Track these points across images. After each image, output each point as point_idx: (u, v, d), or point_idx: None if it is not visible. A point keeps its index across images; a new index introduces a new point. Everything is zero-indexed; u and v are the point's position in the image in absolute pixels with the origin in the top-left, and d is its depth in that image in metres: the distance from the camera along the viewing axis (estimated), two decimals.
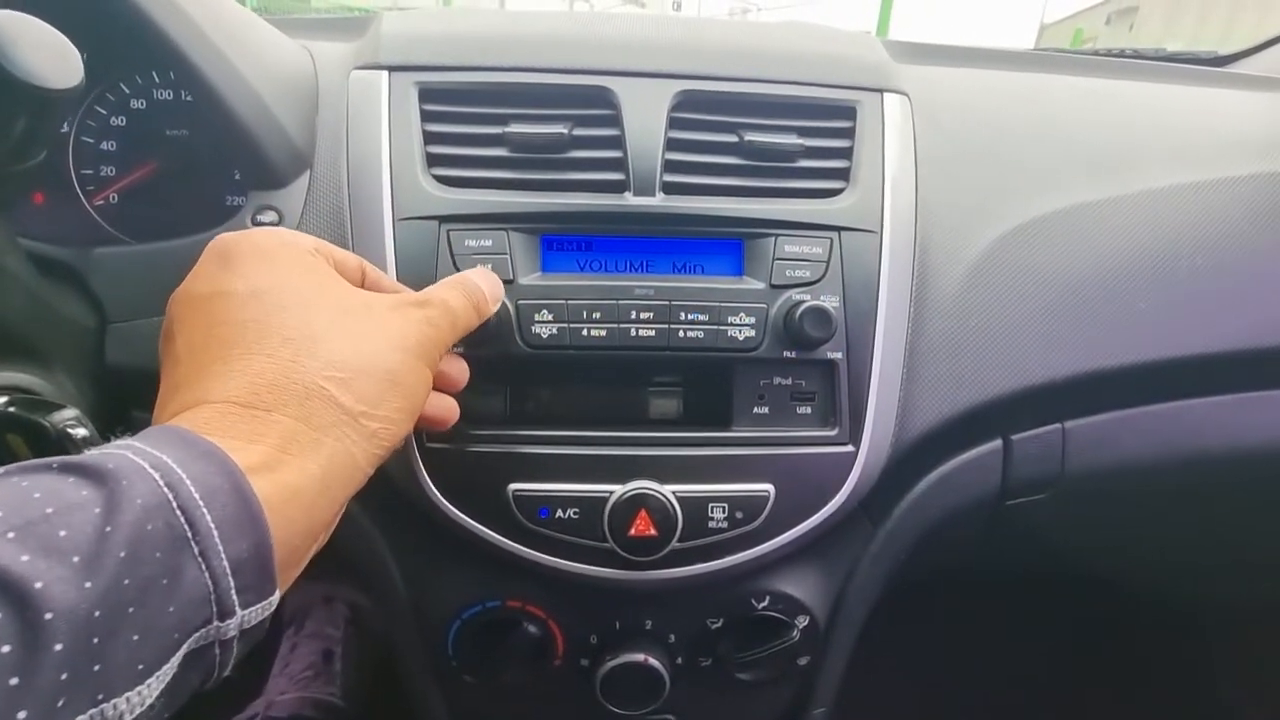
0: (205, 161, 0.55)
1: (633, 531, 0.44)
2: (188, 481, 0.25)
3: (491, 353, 0.47)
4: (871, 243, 0.51)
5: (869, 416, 0.49)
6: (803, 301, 0.47)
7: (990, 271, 0.55)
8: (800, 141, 0.51)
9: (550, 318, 0.47)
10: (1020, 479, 0.58)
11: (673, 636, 0.50)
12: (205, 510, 0.25)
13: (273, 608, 0.28)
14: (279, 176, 0.52)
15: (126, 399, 0.53)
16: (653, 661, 0.48)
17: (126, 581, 0.23)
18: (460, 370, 0.41)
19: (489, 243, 0.48)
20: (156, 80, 0.56)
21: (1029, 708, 0.90)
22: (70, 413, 0.40)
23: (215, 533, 0.25)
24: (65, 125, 0.57)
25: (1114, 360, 0.56)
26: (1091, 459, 0.59)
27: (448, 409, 0.40)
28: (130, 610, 0.23)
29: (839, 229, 0.50)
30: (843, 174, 0.52)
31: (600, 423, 0.47)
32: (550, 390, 0.48)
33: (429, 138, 0.50)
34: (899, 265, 0.51)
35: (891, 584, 0.57)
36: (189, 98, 0.55)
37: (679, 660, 0.50)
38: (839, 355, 0.49)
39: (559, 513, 0.45)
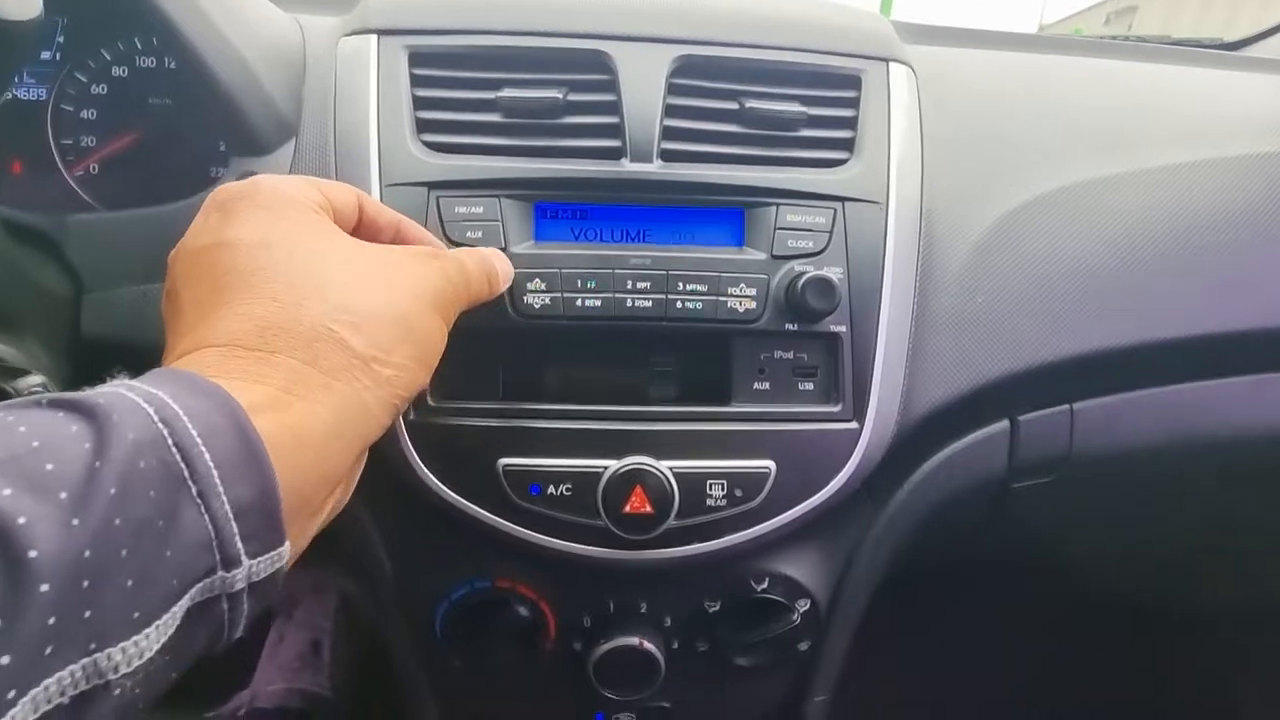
0: (188, 131, 0.54)
1: (628, 508, 0.43)
2: (184, 418, 0.24)
3: (482, 323, 0.45)
4: (876, 214, 0.49)
5: (873, 393, 0.47)
6: (805, 272, 0.45)
7: (996, 249, 0.54)
8: (803, 110, 0.50)
9: (543, 287, 0.45)
10: (1027, 461, 0.56)
11: (668, 619, 0.48)
12: (204, 449, 0.23)
13: (284, 560, 0.26)
14: (263, 144, 0.50)
15: (102, 371, 0.51)
16: (648, 645, 0.46)
17: (118, 521, 0.21)
18: None
19: (480, 210, 0.46)
20: (139, 47, 0.54)
21: (1030, 699, 0.88)
22: (36, 379, 0.38)
23: (215, 473, 0.23)
24: (44, 93, 0.56)
25: (1122, 339, 0.55)
26: (1100, 441, 0.57)
27: None
28: (123, 553, 0.21)
29: (843, 199, 0.49)
30: (847, 144, 0.51)
31: (595, 397, 0.45)
32: (543, 363, 0.46)
33: (419, 103, 0.48)
34: (904, 238, 0.50)
35: (894, 569, 0.56)
36: (173, 65, 0.53)
37: (675, 645, 0.49)
38: (843, 329, 0.47)
39: (551, 489, 0.44)
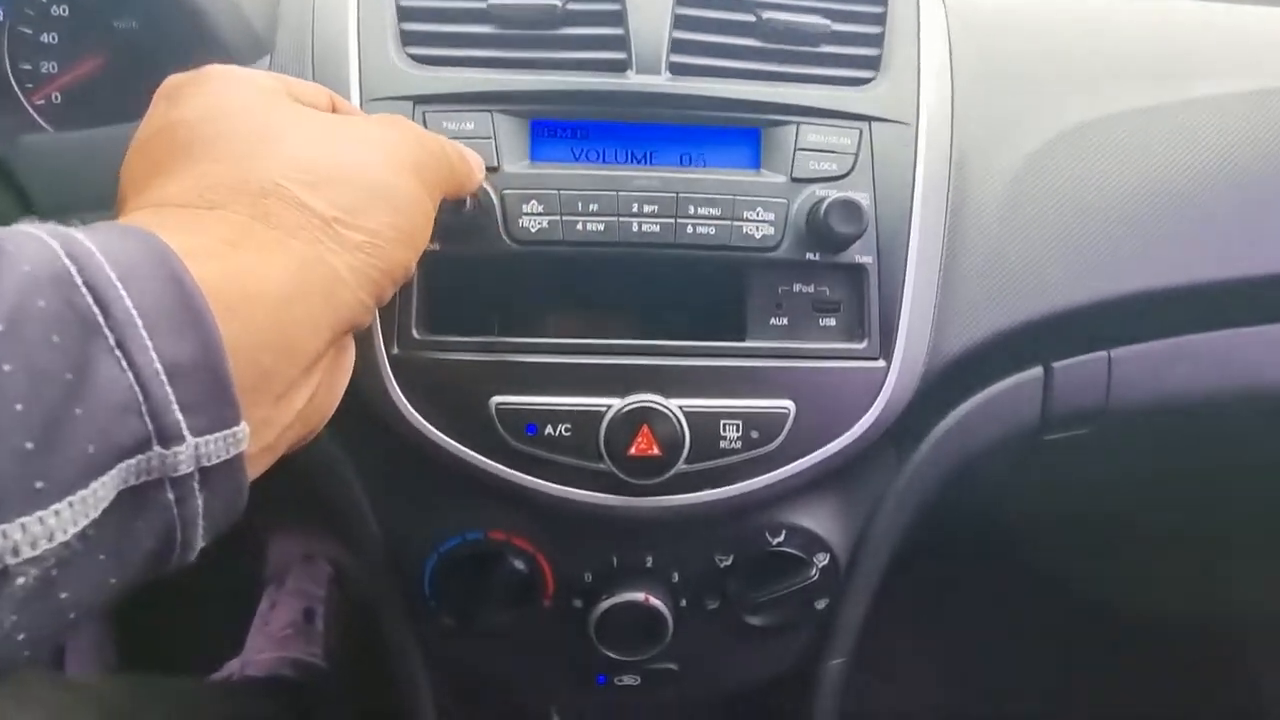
0: (157, 55, 0.49)
1: (633, 451, 0.39)
2: (99, 255, 0.19)
3: (473, 250, 0.41)
4: (905, 136, 0.45)
5: (901, 330, 0.43)
6: (828, 196, 0.41)
7: (1032, 182, 0.49)
8: (826, 24, 0.45)
9: (540, 209, 0.41)
10: (1061, 411, 0.52)
11: (676, 575, 0.45)
12: (123, 291, 0.19)
13: (242, 444, 0.22)
14: (236, 62, 0.46)
15: None
16: (654, 601, 0.43)
17: (6, 368, 0.17)
18: None
19: (470, 125, 0.42)
20: None
21: (1057, 671, 0.85)
22: None
23: (139, 320, 0.19)
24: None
25: (1165, 281, 0.51)
26: (1139, 390, 0.53)
27: None
28: (16, 407, 0.17)
29: (869, 119, 0.44)
30: (873, 62, 0.46)
31: (597, 330, 0.41)
32: (540, 293, 0.42)
33: (403, 13, 0.44)
34: (935, 164, 0.45)
35: (918, 526, 0.52)
36: None
37: (683, 602, 0.45)
38: (869, 260, 0.43)
39: (549, 429, 0.40)
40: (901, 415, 0.45)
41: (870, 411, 0.42)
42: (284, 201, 0.25)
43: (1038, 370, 0.52)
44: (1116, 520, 0.78)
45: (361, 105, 0.42)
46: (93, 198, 0.46)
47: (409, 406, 0.40)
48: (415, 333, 0.41)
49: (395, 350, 0.41)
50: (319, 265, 0.25)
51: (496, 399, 0.40)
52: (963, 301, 0.46)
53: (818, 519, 0.45)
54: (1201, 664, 0.84)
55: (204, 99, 0.28)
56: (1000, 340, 0.48)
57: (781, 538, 0.44)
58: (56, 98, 0.51)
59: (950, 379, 0.48)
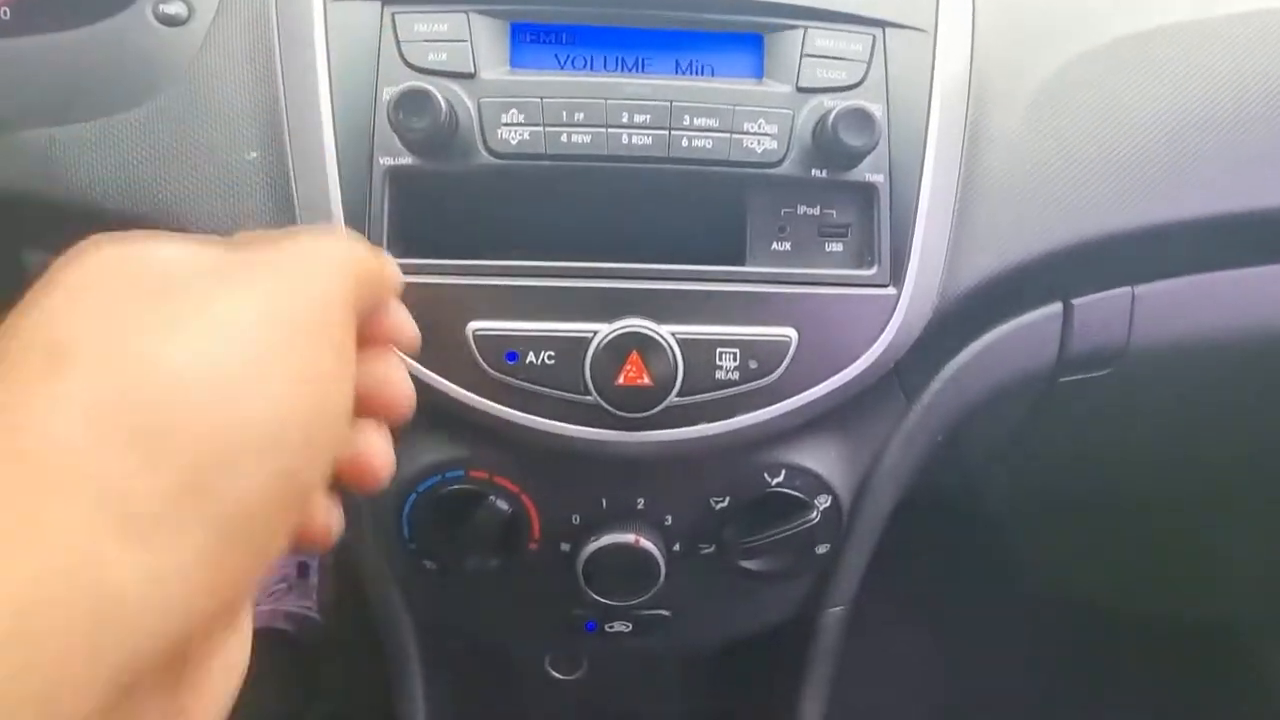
0: None
1: (622, 380, 0.36)
2: None
3: (447, 165, 0.38)
4: (922, 44, 0.41)
5: (914, 255, 0.40)
6: (837, 105, 0.38)
7: (1061, 99, 0.45)
8: None
9: (521, 119, 0.37)
10: (1079, 351, 0.49)
11: (669, 518, 0.42)
12: None
13: None
14: None
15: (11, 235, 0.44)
16: (645, 543, 0.40)
17: None
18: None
19: (444, 28, 0.38)
20: None
21: (1061, 633, 0.82)
22: None
23: None
24: None
25: (1198, 210, 0.47)
26: (1163, 329, 0.50)
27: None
28: None
29: (883, 24, 0.40)
30: None
31: (583, 252, 0.38)
32: (521, 211, 0.38)
33: None
34: (953, 76, 0.41)
35: (923, 474, 0.49)
36: None
37: (676, 547, 0.43)
38: (880, 178, 0.39)
39: (530, 357, 0.37)
40: (911, 350, 0.42)
41: (878, 342, 0.39)
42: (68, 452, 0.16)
43: (1056, 307, 0.49)
44: (1123, 504, 0.74)
45: (325, 5, 0.39)
46: (40, 114, 0.43)
47: None
48: (386, 254, 0.38)
49: None
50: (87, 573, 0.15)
51: (474, 324, 0.37)
52: (980, 227, 0.43)
53: (820, 459, 0.42)
54: (1217, 663, 0.82)
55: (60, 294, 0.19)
56: (1019, 272, 0.45)
57: (781, 478, 0.42)
58: (6, 14, 0.47)
59: (964, 313, 0.44)
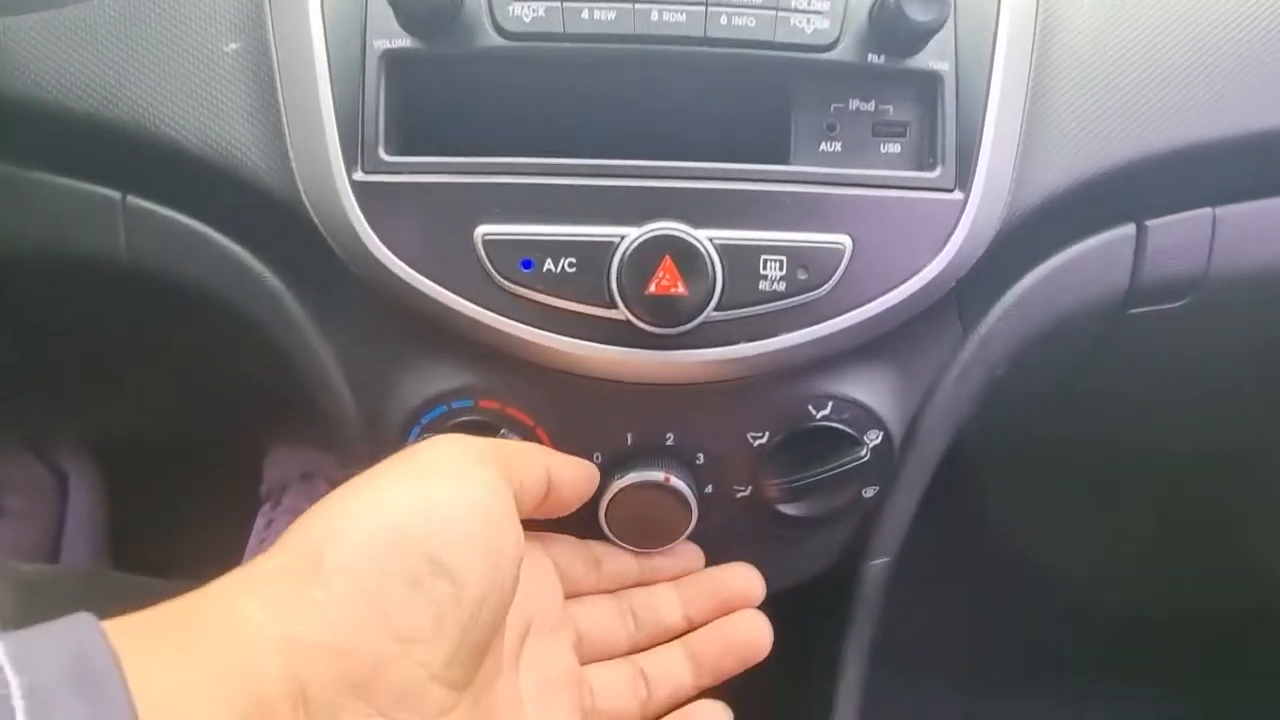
0: None
1: (653, 289, 0.31)
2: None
3: (452, 48, 0.33)
4: None
5: (982, 156, 0.35)
6: None
7: None
8: None
9: None
10: (1153, 278, 0.44)
11: (701, 456, 0.38)
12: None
13: None
14: None
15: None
16: (676, 482, 0.36)
17: None
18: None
19: None
20: None
21: (1109, 593, 0.77)
22: None
23: None
24: None
25: None
26: (1247, 256, 0.45)
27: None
28: None
29: None
30: None
31: (607, 148, 0.33)
32: (536, 101, 0.34)
33: None
34: None
35: (979, 412, 0.45)
36: None
37: (708, 489, 0.39)
38: (945, 66, 0.34)
39: (548, 265, 0.32)
40: (972, 271, 0.37)
41: (943, 254, 0.34)
42: None
43: (1129, 229, 0.44)
44: (1191, 464, 0.69)
45: None
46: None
47: (377, 242, 0.33)
48: (383, 153, 0.33)
49: (359, 175, 0.33)
50: None
51: (484, 229, 0.32)
52: (1052, 130, 0.38)
53: (870, 391, 0.38)
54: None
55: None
56: (1092, 184, 0.40)
57: (827, 411, 0.37)
58: None
59: (1030, 231, 0.39)
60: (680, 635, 0.36)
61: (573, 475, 0.34)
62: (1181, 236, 0.44)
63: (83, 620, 0.21)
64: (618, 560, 0.37)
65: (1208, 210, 0.44)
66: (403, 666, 0.24)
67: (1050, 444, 0.64)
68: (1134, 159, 0.40)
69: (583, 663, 0.34)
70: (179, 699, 0.21)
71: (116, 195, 0.40)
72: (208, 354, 0.52)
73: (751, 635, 0.35)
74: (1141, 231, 0.44)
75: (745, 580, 0.37)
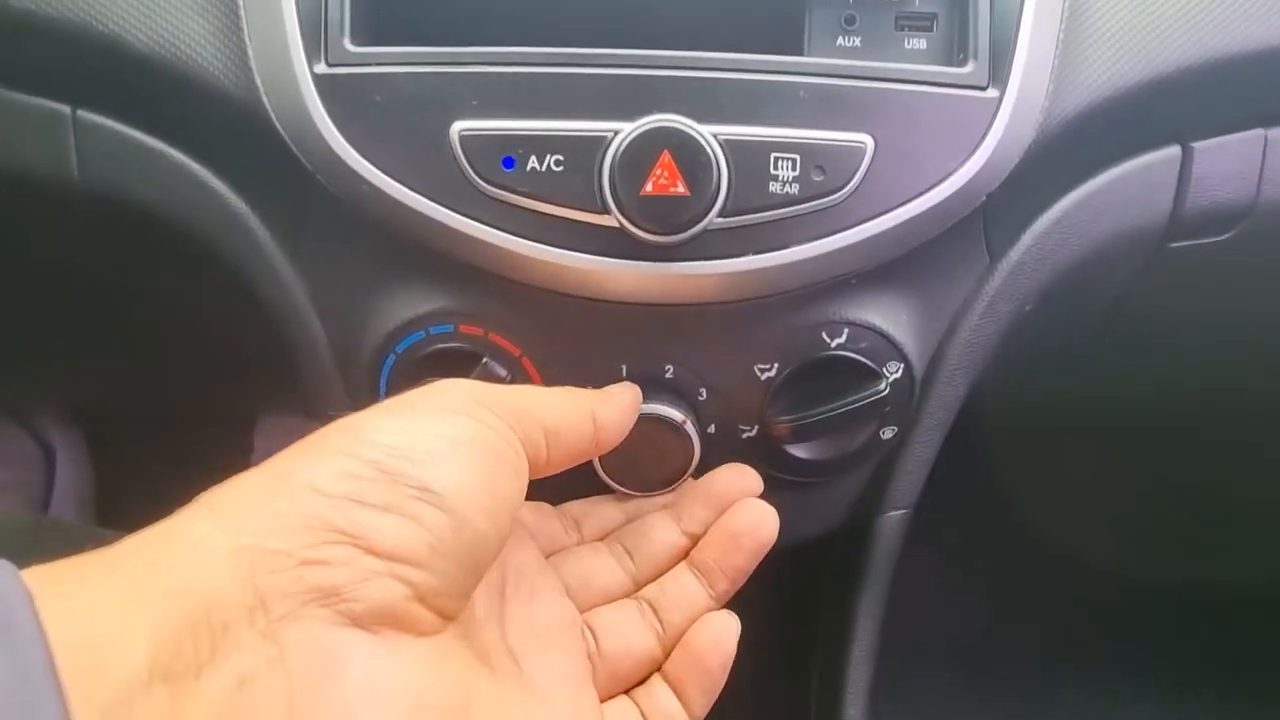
0: None
1: (649, 188, 0.28)
2: None
3: None
4: None
5: (1019, 52, 0.31)
6: None
7: None
8: None
9: None
10: (1197, 206, 0.40)
11: (704, 391, 0.34)
12: None
13: None
14: None
15: None
16: (673, 414, 0.33)
17: None
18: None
19: None
20: None
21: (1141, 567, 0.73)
22: None
23: None
24: None
25: None
26: None
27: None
28: None
29: None
30: None
31: (600, 35, 0.30)
32: None
33: None
34: None
35: (1003, 351, 0.42)
36: None
37: (711, 428, 0.35)
38: None
39: (532, 163, 0.29)
40: (1001, 191, 0.34)
41: (974, 158, 0.31)
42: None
43: (1174, 150, 0.40)
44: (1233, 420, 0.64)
45: None
46: None
47: (342, 142, 0.29)
48: (348, 43, 0.30)
49: (321, 68, 0.30)
50: None
51: (460, 125, 0.29)
52: (1094, 31, 0.34)
53: (891, 318, 0.34)
54: None
55: None
56: (1135, 96, 0.36)
57: (843, 338, 0.34)
58: None
59: (1067, 148, 0.36)
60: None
61: (618, 416, 0.30)
62: (1230, 160, 0.41)
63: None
64: (600, 516, 0.34)
65: (1259, 132, 0.41)
66: (385, 583, 0.21)
67: (1076, 401, 0.61)
68: (1181, 67, 0.36)
69: (582, 610, 0.31)
70: (99, 629, 0.18)
71: (66, 109, 0.36)
72: (175, 300, 0.48)
73: (751, 522, 0.31)
74: (1187, 154, 0.40)
75: (736, 476, 0.33)
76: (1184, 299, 0.48)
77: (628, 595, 0.31)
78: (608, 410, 0.29)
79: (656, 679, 0.29)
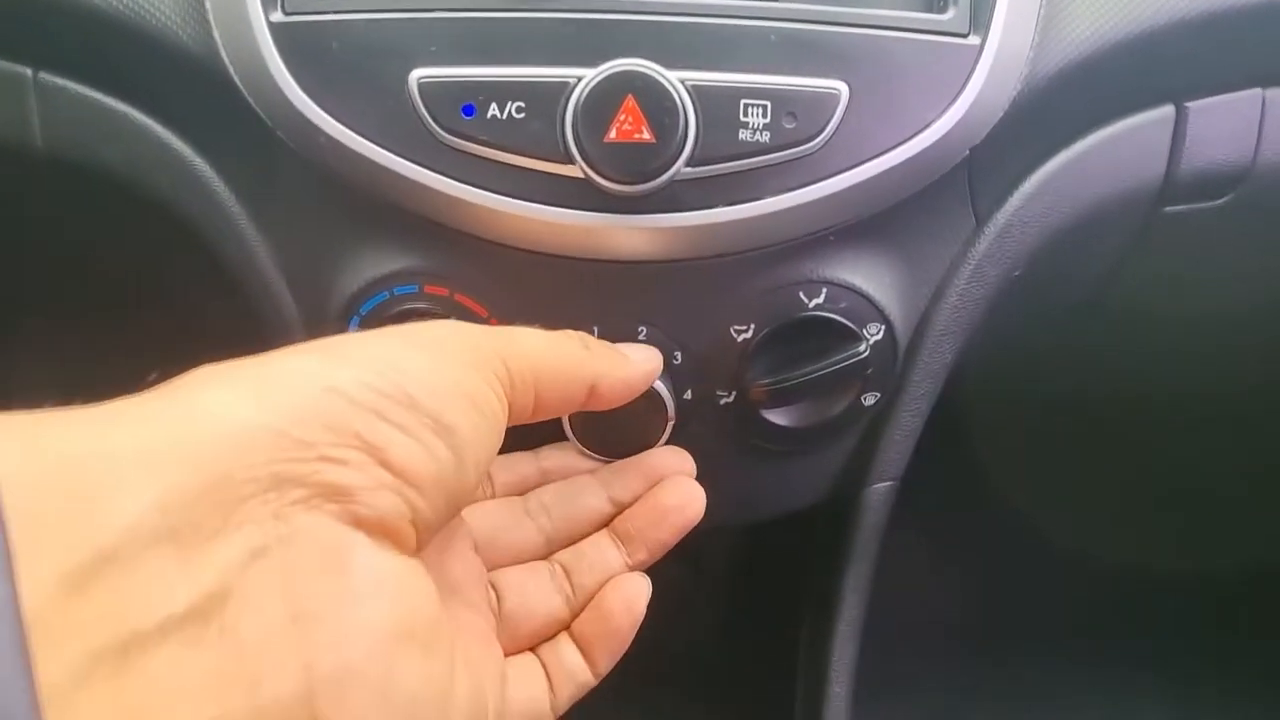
0: None
1: (613, 134, 0.27)
2: None
3: None
4: None
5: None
6: None
7: None
8: None
9: None
10: (1192, 168, 0.39)
11: (678, 354, 0.33)
12: None
13: None
14: None
15: None
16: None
17: None
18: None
19: None
20: None
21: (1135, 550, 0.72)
22: None
23: None
24: None
25: None
26: None
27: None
28: None
29: None
30: None
31: None
32: None
33: None
34: None
35: (992, 319, 0.40)
36: None
37: (687, 394, 0.34)
38: None
39: (493, 110, 0.27)
40: (987, 147, 0.33)
41: (955, 106, 0.29)
42: None
43: (1167, 110, 0.39)
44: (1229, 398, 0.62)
45: None
46: None
47: (298, 92, 0.28)
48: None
49: (277, 16, 0.29)
50: None
51: (419, 72, 0.28)
52: None
53: (870, 278, 0.33)
54: None
55: None
56: (1125, 51, 0.35)
57: (821, 299, 0.32)
58: None
59: (1054, 104, 0.35)
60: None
61: (623, 391, 0.29)
62: (1226, 121, 0.39)
63: None
64: (513, 470, 0.33)
65: (1257, 92, 0.39)
66: (391, 497, 0.21)
67: (1062, 377, 0.59)
68: (1174, 20, 0.35)
69: (490, 568, 0.30)
70: (89, 477, 0.16)
71: (27, 72, 0.35)
72: (143, 271, 0.47)
73: (680, 499, 0.30)
74: (1181, 114, 0.39)
75: (674, 457, 0.33)
76: (1180, 270, 0.46)
77: (539, 557, 0.30)
78: (611, 383, 0.28)
79: (563, 636, 0.29)
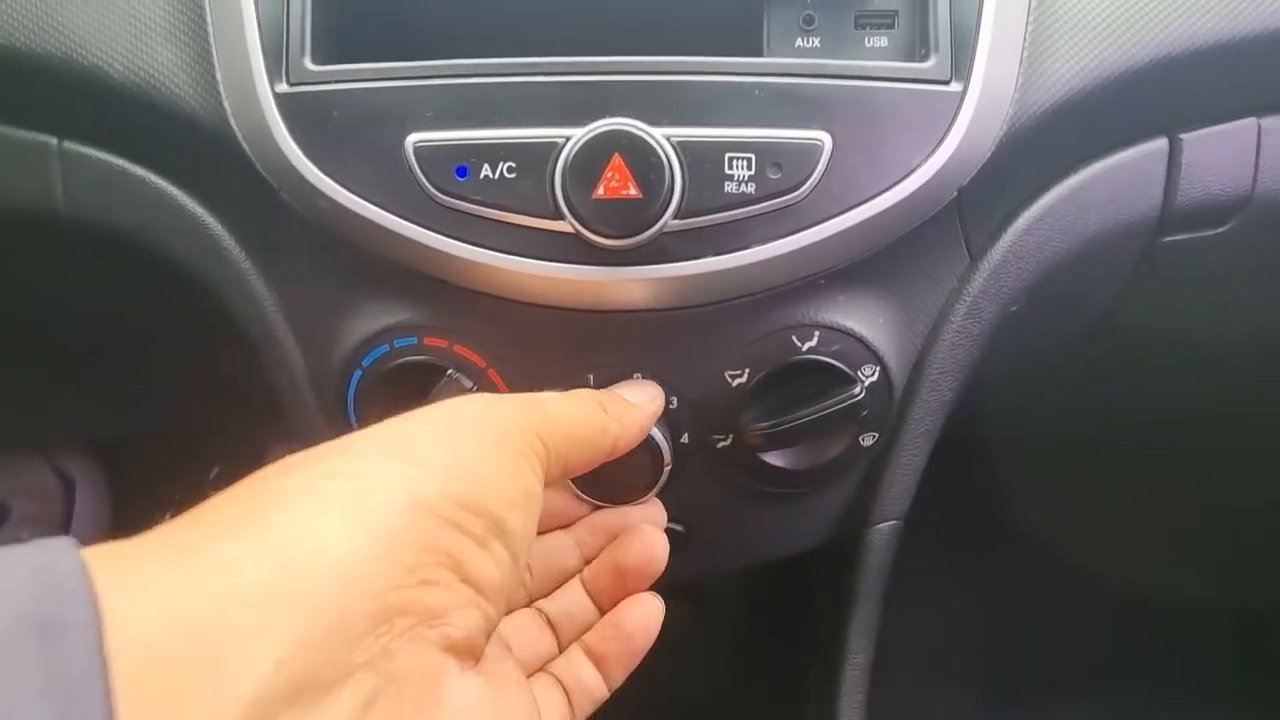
0: None
1: (601, 191, 0.28)
2: None
3: None
4: None
5: (982, 44, 0.31)
6: None
7: None
8: None
9: None
10: (1189, 199, 0.39)
11: (674, 400, 0.34)
12: None
13: None
14: None
15: None
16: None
17: None
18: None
19: None
20: None
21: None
22: None
23: None
24: None
25: None
26: None
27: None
28: None
29: None
30: None
31: (554, 43, 0.30)
32: None
33: None
34: None
35: (991, 355, 0.40)
36: None
37: (684, 438, 0.34)
38: None
39: (485, 171, 0.28)
40: (978, 186, 0.33)
41: (939, 152, 0.30)
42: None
43: (1161, 143, 0.39)
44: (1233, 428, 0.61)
45: None
46: None
47: (302, 157, 0.30)
48: (308, 63, 0.30)
49: (282, 87, 0.30)
50: None
51: (414, 136, 0.29)
52: (1064, 20, 0.34)
53: (864, 320, 0.33)
54: None
55: None
56: (1114, 87, 0.35)
57: (814, 341, 0.33)
58: None
59: (1043, 141, 0.35)
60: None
61: (637, 434, 0.29)
62: (1222, 151, 0.39)
63: (58, 545, 0.16)
64: None
65: (1252, 121, 0.39)
66: (474, 613, 0.21)
67: (1070, 411, 0.58)
68: (1161, 56, 0.35)
69: None
70: (209, 631, 0.16)
71: (52, 141, 0.38)
72: (160, 328, 0.49)
73: (642, 553, 0.30)
74: (1175, 146, 0.39)
75: (642, 511, 0.33)
76: (1183, 298, 0.46)
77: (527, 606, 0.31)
78: (628, 442, 0.29)
79: (575, 650, 0.29)
